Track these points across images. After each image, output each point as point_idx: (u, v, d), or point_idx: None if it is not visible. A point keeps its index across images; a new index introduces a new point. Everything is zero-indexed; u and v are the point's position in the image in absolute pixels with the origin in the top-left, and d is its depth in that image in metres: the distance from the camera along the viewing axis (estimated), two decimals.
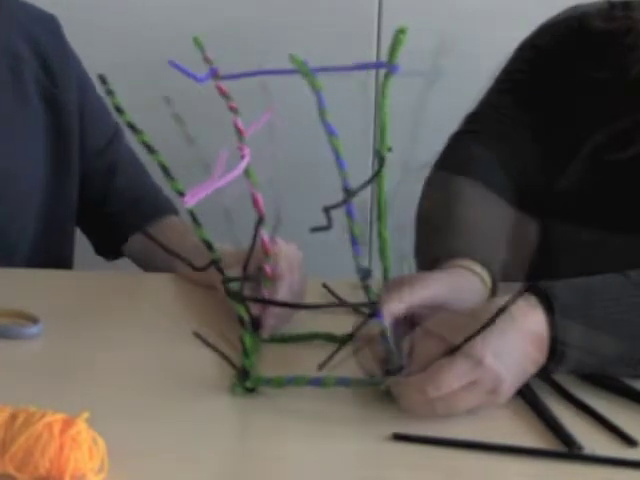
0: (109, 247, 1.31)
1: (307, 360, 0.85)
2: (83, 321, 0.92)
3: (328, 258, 1.34)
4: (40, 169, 1.21)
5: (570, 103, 1.07)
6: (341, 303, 0.95)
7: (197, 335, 0.85)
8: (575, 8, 1.10)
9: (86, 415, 0.63)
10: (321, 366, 0.76)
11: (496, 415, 0.75)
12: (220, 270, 0.76)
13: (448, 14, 1.73)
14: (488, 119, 1.13)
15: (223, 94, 0.78)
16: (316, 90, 0.71)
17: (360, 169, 1.73)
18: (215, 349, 0.81)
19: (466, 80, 1.21)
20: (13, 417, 0.63)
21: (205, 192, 0.70)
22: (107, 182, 1.27)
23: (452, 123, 1.27)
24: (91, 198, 1.28)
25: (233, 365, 0.79)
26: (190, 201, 0.69)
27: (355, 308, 0.86)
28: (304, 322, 0.89)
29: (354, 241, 0.75)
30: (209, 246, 0.76)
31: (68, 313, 0.94)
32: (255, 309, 0.86)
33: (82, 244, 1.32)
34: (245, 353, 0.79)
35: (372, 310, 0.76)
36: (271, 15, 1.72)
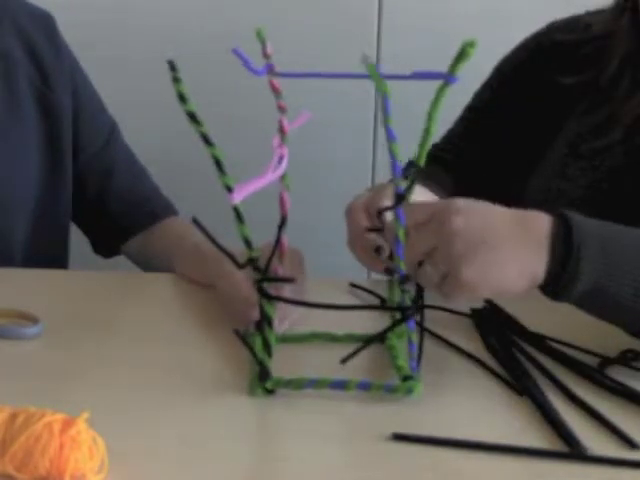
0: (108, 246, 1.30)
1: (308, 360, 0.85)
2: (83, 321, 0.92)
3: (328, 258, 1.34)
4: (33, 171, 1.19)
5: (540, 110, 1.15)
6: (373, 305, 0.96)
7: (236, 333, 0.84)
8: (550, 23, 1.19)
9: (86, 415, 0.63)
10: (344, 360, 0.77)
11: (496, 415, 0.76)
12: (257, 269, 0.76)
13: (448, 14, 1.73)
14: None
15: (275, 91, 0.77)
16: (383, 95, 0.71)
17: (360, 168, 1.74)
18: (251, 349, 0.80)
19: (465, 80, 1.21)
20: (13, 417, 0.63)
21: (252, 189, 0.70)
22: (105, 183, 1.26)
23: (451, 123, 1.28)
24: (89, 198, 1.27)
25: (262, 365, 0.77)
26: (237, 197, 0.69)
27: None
28: (303, 322, 0.89)
29: (399, 244, 0.76)
30: (248, 244, 0.75)
31: (68, 313, 0.94)
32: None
33: (78, 244, 1.32)
34: (268, 353, 0.78)
35: (405, 314, 0.77)
36: (271, 15, 1.72)
